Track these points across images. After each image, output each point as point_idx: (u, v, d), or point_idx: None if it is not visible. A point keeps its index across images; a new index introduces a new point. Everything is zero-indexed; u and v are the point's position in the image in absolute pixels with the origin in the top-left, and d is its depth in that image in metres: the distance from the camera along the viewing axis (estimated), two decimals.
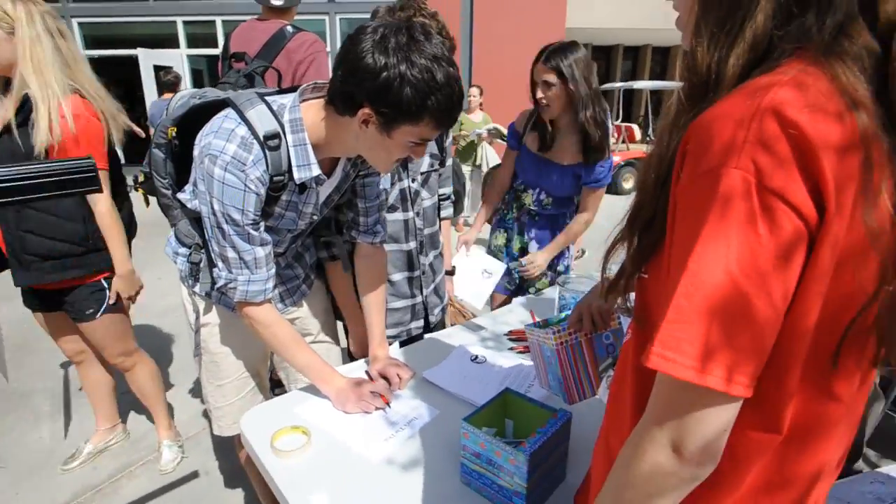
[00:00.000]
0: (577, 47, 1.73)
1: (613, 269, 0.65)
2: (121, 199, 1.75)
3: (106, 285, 1.74)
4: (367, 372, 1.30)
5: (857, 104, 0.43)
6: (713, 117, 0.46)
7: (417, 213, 1.57)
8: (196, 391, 2.55)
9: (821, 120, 0.43)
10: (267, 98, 1.02)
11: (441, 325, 1.75)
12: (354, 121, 0.94)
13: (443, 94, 0.89)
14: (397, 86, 0.87)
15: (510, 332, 1.54)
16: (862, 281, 0.47)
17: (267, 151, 0.98)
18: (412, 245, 1.56)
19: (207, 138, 0.98)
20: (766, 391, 0.48)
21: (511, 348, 1.45)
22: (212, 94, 1.16)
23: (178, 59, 8.68)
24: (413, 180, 1.53)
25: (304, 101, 1.04)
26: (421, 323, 1.66)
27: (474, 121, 5.40)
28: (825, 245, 0.44)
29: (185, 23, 8.83)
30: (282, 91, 1.09)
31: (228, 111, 1.00)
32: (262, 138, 0.98)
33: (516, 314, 1.68)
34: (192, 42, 8.99)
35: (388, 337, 1.57)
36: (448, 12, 5.19)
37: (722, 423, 0.47)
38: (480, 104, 5.56)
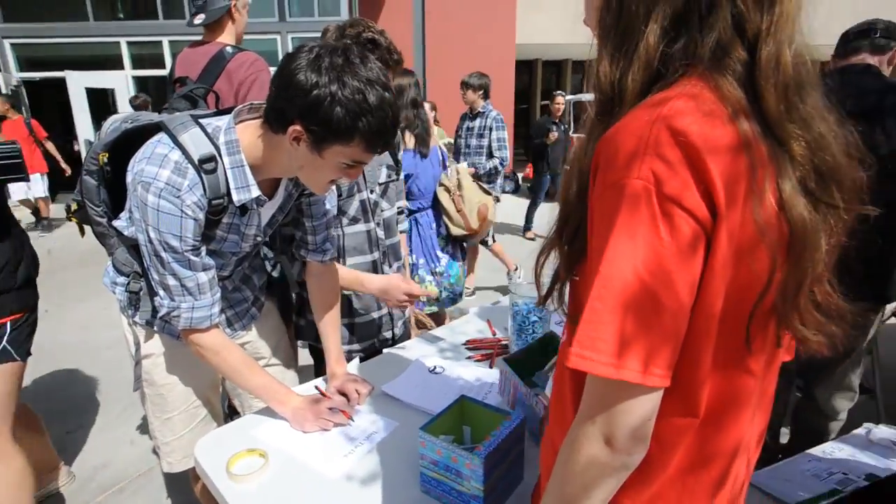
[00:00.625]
0: (408, 74, 2.34)
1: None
2: (14, 235, 1.53)
3: (8, 330, 1.49)
4: (316, 387, 1.29)
5: (738, 112, 0.49)
6: (616, 131, 0.51)
7: (378, 224, 1.58)
8: (145, 426, 2.43)
9: (707, 128, 0.48)
10: (202, 120, 1.01)
11: (405, 337, 1.76)
12: (286, 138, 0.94)
13: (374, 117, 0.90)
14: (327, 105, 0.88)
15: (468, 342, 1.56)
16: (757, 271, 0.51)
17: (203, 175, 0.97)
18: (376, 255, 1.58)
19: (140, 165, 0.96)
20: (682, 378, 0.52)
21: (469, 357, 1.47)
22: (145, 117, 1.14)
23: (123, 80, 8.38)
24: (371, 191, 1.54)
25: (240, 121, 1.03)
26: (389, 334, 1.66)
27: None
28: (721, 241, 0.49)
29: (130, 43, 8.55)
30: (219, 112, 1.08)
31: (161, 136, 0.99)
32: (196, 162, 0.96)
33: (473, 324, 1.70)
34: (138, 63, 8.70)
35: (358, 351, 1.57)
36: (401, 30, 5.28)
37: (646, 411, 0.50)
38: (436, 120, 5.63)
